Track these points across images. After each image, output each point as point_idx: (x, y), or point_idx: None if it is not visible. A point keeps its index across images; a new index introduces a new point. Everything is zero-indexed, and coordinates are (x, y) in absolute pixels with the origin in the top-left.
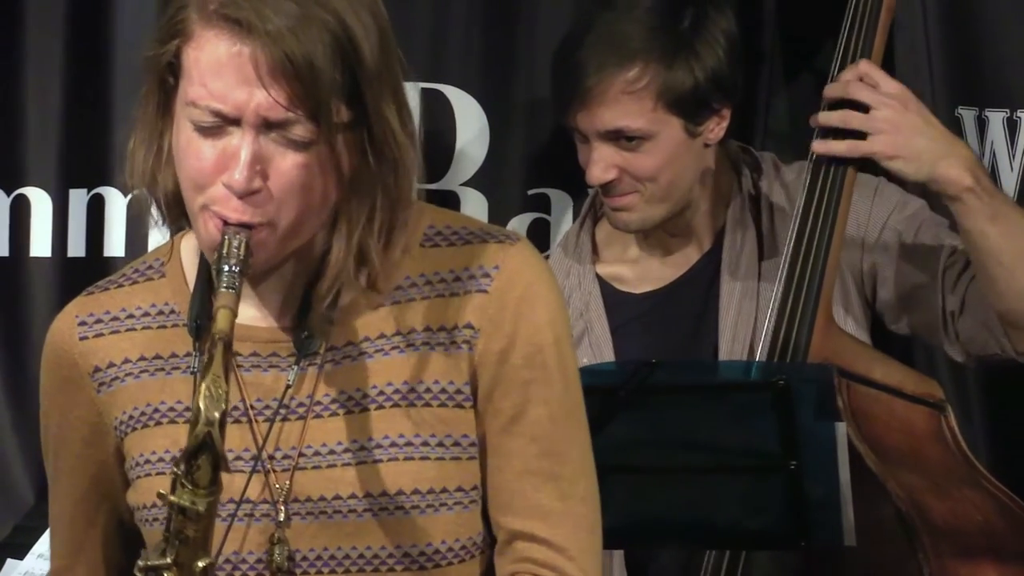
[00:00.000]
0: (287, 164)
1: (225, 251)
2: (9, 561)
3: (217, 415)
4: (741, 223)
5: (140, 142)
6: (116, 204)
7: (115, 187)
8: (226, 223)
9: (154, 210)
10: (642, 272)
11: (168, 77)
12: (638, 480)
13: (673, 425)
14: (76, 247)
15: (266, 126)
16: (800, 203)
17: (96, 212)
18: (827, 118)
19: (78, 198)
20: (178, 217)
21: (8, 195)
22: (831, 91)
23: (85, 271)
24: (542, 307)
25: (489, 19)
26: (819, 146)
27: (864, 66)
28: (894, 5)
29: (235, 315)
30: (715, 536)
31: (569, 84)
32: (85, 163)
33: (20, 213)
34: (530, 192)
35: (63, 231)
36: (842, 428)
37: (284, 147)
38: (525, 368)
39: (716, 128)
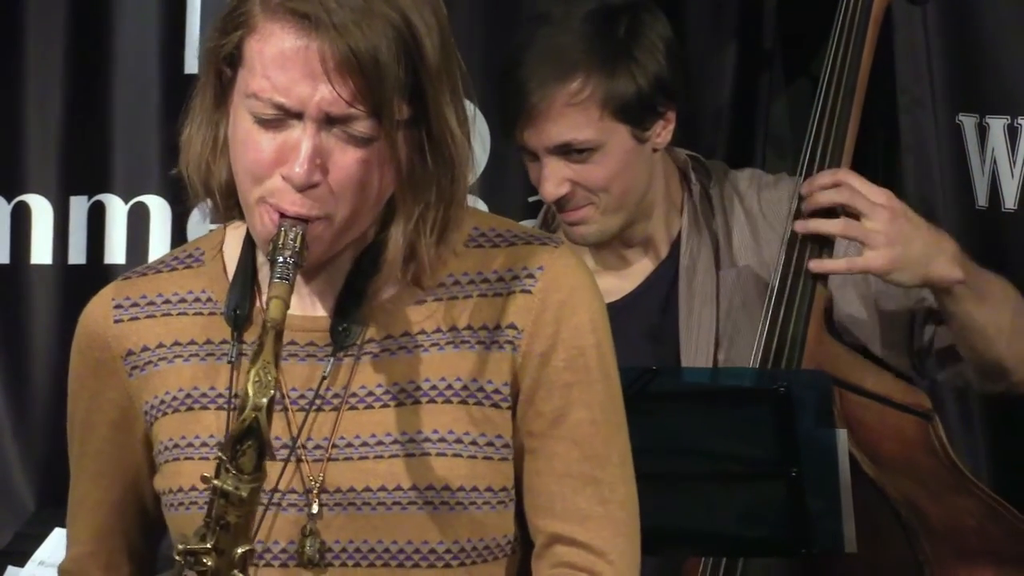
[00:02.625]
0: (347, 159)
1: (281, 242)
2: (10, 568)
3: (265, 401)
4: (695, 230)
5: (195, 132)
6: (117, 211)
7: (116, 194)
8: (283, 216)
9: (194, 195)
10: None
11: (225, 69)
12: (638, 487)
13: (673, 432)
14: (77, 254)
15: (328, 121)
16: (792, 208)
17: (96, 219)
18: (825, 225)
19: (79, 205)
20: (231, 208)
21: (9, 202)
22: (822, 197)
23: (86, 278)
24: (584, 310)
25: (489, 26)
26: (815, 265)
27: (843, 173)
28: (881, 16)
29: (287, 306)
30: (716, 543)
31: (513, 102)
32: (86, 170)
33: (21, 220)
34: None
35: (64, 238)
36: (843, 435)
37: (344, 142)
38: (567, 371)
39: (663, 132)
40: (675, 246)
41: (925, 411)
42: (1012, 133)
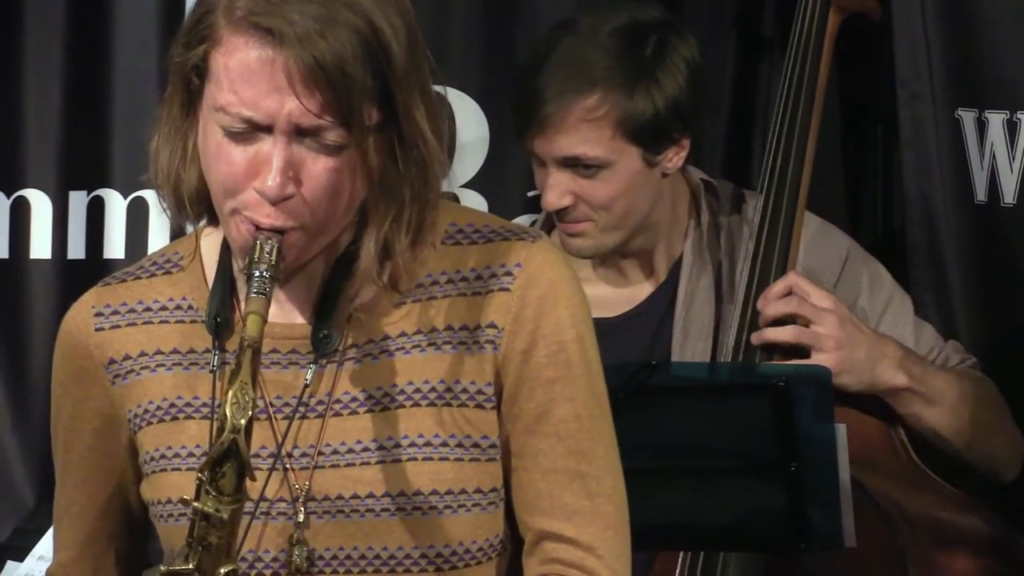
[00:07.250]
0: (318, 168)
1: (257, 256)
2: (9, 563)
3: (243, 422)
4: (698, 257)
5: (164, 142)
6: (116, 206)
7: (115, 189)
8: (258, 227)
9: (165, 206)
10: (594, 296)
11: (193, 78)
12: (636, 483)
13: (672, 427)
14: (76, 249)
15: (298, 132)
16: (751, 243)
17: (96, 214)
18: (776, 334)
19: (78, 200)
20: (201, 213)
21: (8, 197)
22: (771, 309)
23: (85, 273)
24: (564, 305)
25: (488, 21)
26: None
27: (793, 278)
28: (836, 32)
29: (265, 321)
30: (714, 539)
31: (528, 108)
32: (85, 165)
33: (20, 215)
34: (530, 194)
35: (63, 233)
36: (842, 430)
37: (316, 152)
38: (549, 366)
39: (675, 158)
40: (675, 271)
41: (887, 416)
42: (1011, 128)
